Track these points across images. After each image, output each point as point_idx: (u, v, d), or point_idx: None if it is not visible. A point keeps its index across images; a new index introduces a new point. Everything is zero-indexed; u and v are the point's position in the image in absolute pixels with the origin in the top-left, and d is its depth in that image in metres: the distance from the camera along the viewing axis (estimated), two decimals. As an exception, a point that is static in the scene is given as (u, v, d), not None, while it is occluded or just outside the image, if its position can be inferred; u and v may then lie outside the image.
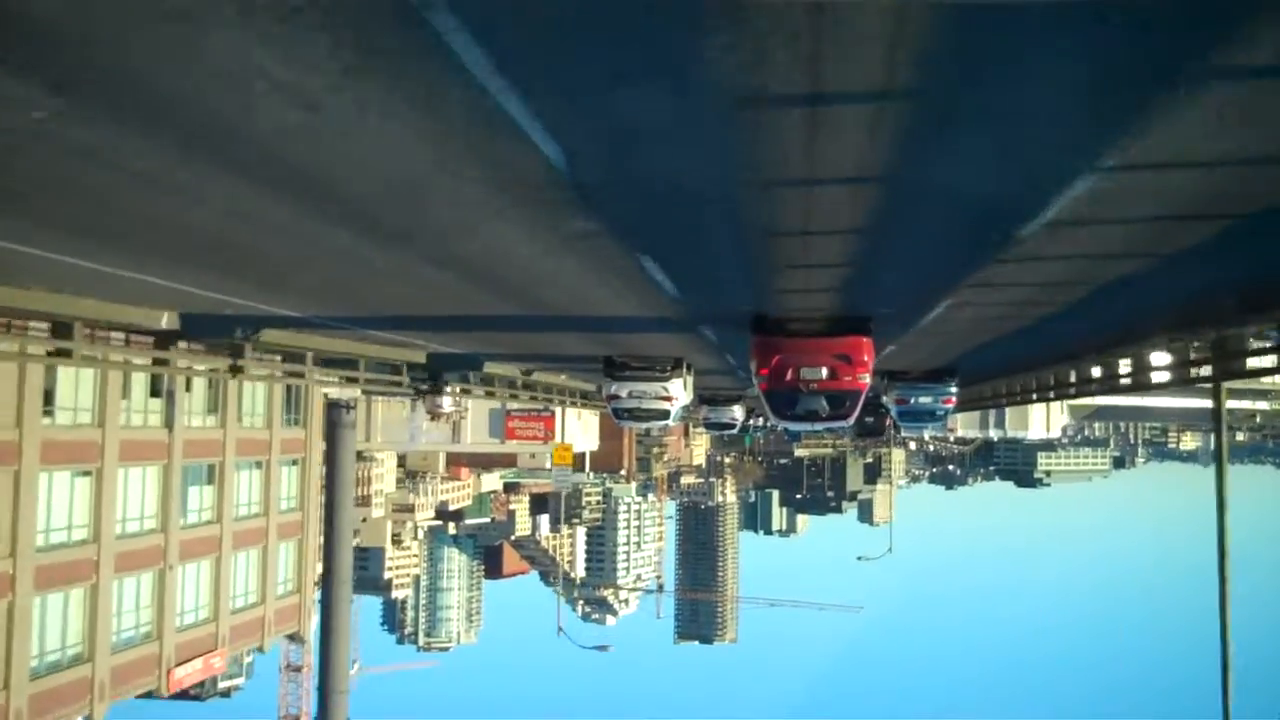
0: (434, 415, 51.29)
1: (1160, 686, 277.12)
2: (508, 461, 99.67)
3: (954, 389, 27.43)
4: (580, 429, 65.52)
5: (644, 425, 30.79)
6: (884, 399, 29.63)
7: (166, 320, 15.91)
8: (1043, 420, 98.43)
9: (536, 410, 57.61)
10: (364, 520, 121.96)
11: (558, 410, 58.18)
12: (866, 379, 16.76)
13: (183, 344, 18.02)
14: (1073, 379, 24.88)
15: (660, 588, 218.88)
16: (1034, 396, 29.56)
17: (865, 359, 16.31)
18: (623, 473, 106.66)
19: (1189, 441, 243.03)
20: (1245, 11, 4.96)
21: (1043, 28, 5.12)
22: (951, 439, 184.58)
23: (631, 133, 6.72)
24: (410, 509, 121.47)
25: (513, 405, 55.49)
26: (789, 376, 16.51)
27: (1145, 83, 5.76)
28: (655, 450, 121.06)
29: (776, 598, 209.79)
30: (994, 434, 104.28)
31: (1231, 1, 4.95)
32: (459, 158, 7.16)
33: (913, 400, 27.69)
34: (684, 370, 23.94)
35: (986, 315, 16.26)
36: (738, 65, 5.48)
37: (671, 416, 24.77)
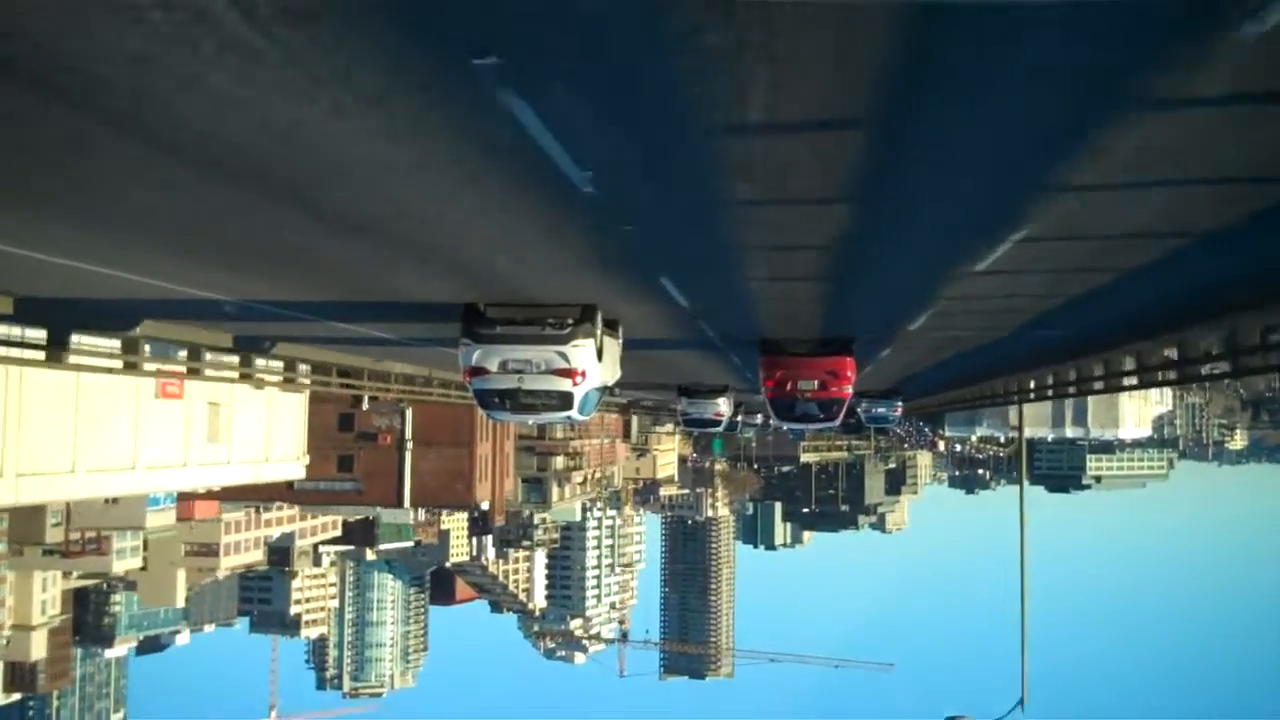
0: None
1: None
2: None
3: (900, 402, 44.19)
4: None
5: (531, 419, 18.44)
6: (858, 409, 43.59)
7: None
8: (1135, 416, 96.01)
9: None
10: (137, 571, 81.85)
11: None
12: (850, 390, 20.92)
13: None
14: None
15: (624, 636, 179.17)
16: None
17: (849, 374, 20.37)
18: (483, 507, 65.20)
19: (1237, 441, 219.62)
20: None
21: None
22: (1002, 439, 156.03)
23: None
24: (213, 552, 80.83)
25: None
26: (789, 387, 20.67)
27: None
28: (562, 465, 78.44)
29: (779, 651, 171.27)
30: (1070, 432, 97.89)
31: None
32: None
33: (873, 410, 43.95)
34: (596, 326, 15.01)
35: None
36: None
37: (576, 404, 15.54)
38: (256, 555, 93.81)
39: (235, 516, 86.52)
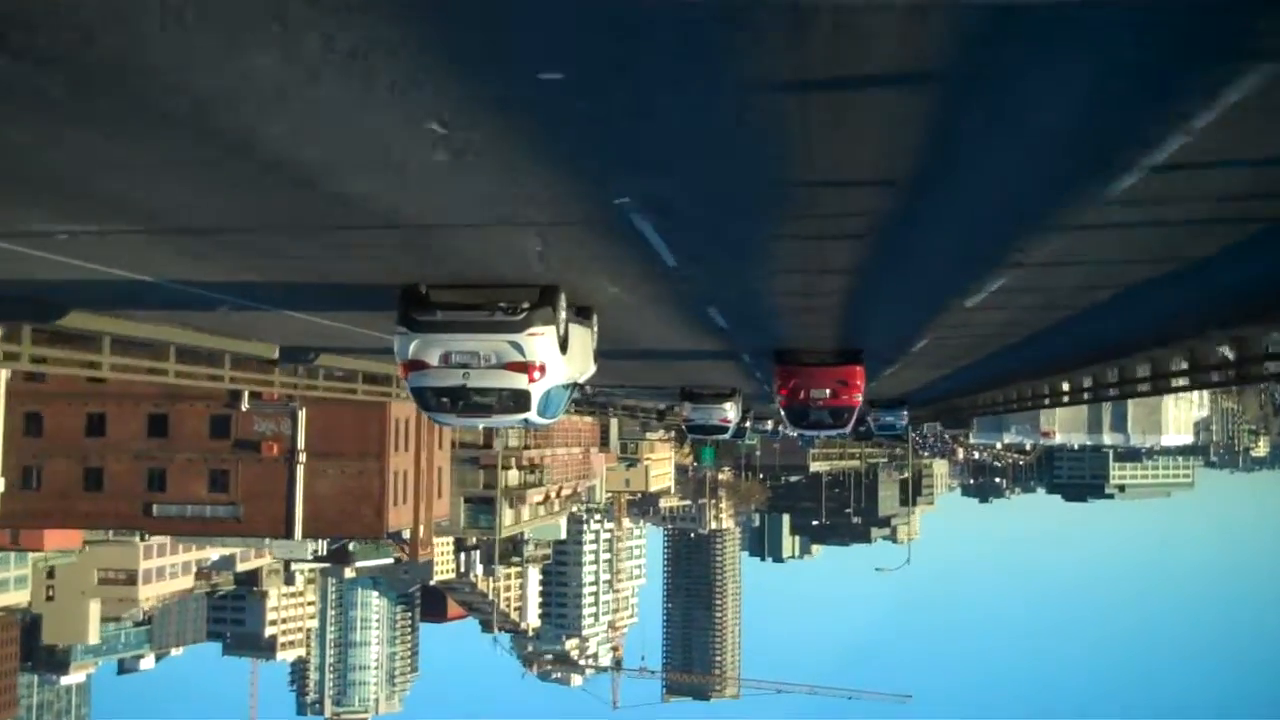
0: None
1: None
2: None
3: (906, 410, 47.83)
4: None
5: (481, 423, 17.55)
6: (868, 417, 45.85)
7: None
8: (1179, 422, 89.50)
9: None
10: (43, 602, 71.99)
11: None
12: (859, 398, 22.66)
13: None
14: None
15: (618, 664, 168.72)
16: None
17: (858, 383, 21.95)
18: (406, 542, 53.75)
19: (1261, 447, 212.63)
20: None
21: None
22: (1028, 446, 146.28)
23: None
24: (130, 580, 70.49)
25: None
26: (802, 396, 22.10)
27: None
28: (516, 481, 66.80)
29: (787, 680, 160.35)
30: (1109, 439, 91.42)
31: None
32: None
33: (883, 418, 47.38)
34: (559, 311, 12.97)
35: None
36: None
37: (534, 405, 13.50)
38: (187, 582, 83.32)
39: (157, 540, 76.09)
